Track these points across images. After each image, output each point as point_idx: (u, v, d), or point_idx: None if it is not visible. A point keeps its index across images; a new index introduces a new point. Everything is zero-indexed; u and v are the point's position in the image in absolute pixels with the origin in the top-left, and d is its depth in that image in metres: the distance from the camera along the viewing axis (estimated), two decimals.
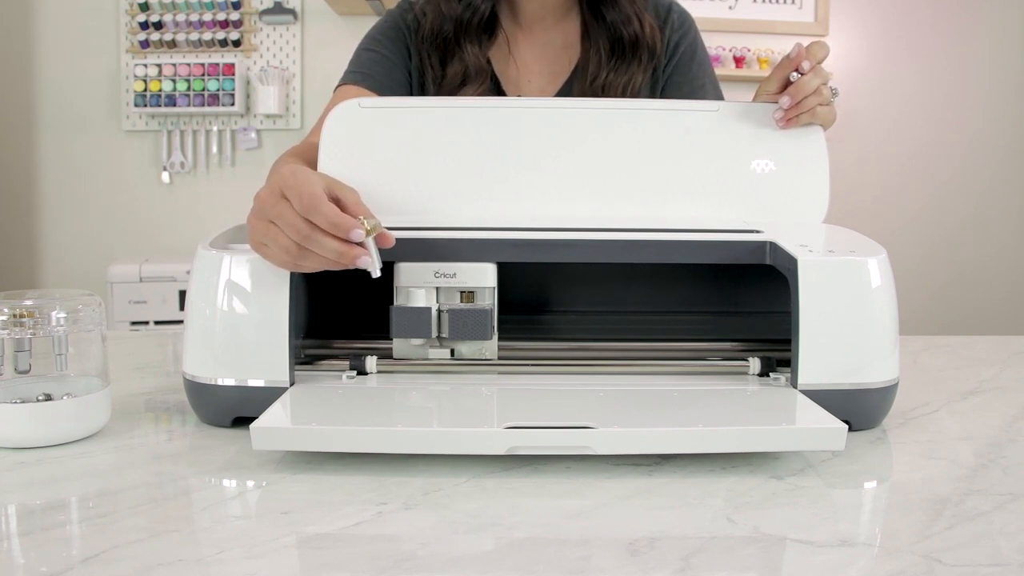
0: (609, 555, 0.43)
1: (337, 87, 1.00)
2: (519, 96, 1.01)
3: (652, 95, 1.03)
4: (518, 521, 0.48)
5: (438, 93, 1.00)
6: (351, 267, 0.60)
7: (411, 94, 1.02)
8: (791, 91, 0.77)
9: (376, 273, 0.61)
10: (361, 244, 0.60)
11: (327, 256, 0.59)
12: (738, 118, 0.80)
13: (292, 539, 0.45)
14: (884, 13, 3.18)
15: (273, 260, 0.62)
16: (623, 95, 0.98)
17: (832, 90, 0.79)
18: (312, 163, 0.78)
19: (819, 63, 0.78)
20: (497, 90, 1.01)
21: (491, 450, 0.54)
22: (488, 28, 1.00)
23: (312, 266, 0.61)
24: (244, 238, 0.69)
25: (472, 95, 0.97)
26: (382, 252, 0.62)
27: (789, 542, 0.45)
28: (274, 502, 0.51)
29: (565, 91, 1.02)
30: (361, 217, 0.60)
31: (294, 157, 0.86)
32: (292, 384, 0.63)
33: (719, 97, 1.04)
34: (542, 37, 1.03)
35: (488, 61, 1.00)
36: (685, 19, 1.05)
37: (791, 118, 0.78)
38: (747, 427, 0.56)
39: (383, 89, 0.98)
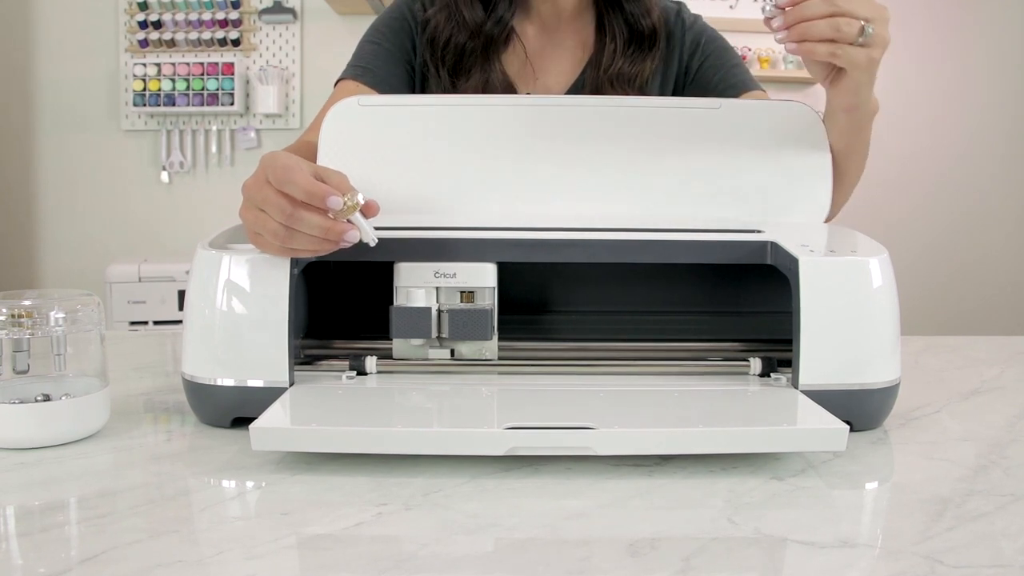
0: (609, 556, 0.43)
1: (338, 81, 0.99)
2: (530, 90, 1.01)
3: (663, 85, 1.02)
4: (518, 522, 0.48)
5: None
6: (342, 245, 0.60)
7: (413, 88, 1.01)
8: (790, 10, 0.67)
9: (372, 243, 0.61)
10: (349, 221, 0.59)
11: (313, 233, 0.59)
12: (740, 117, 0.80)
13: (292, 540, 0.45)
14: None
15: (267, 249, 0.62)
16: (633, 84, 0.98)
17: (862, 28, 0.67)
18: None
19: None
20: (511, 92, 1.00)
21: (491, 451, 0.54)
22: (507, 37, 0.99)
23: (304, 247, 0.60)
24: (244, 237, 0.69)
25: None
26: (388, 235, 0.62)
27: (790, 543, 0.45)
28: (274, 503, 0.50)
29: (577, 85, 1.01)
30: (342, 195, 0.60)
31: (294, 148, 0.86)
32: (292, 384, 0.63)
33: (746, 71, 1.03)
34: (555, 37, 1.02)
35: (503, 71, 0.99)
36: (696, 19, 1.05)
37: (790, 40, 0.68)
38: (748, 428, 0.56)
39: (382, 84, 0.96)
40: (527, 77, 1.00)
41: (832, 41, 0.68)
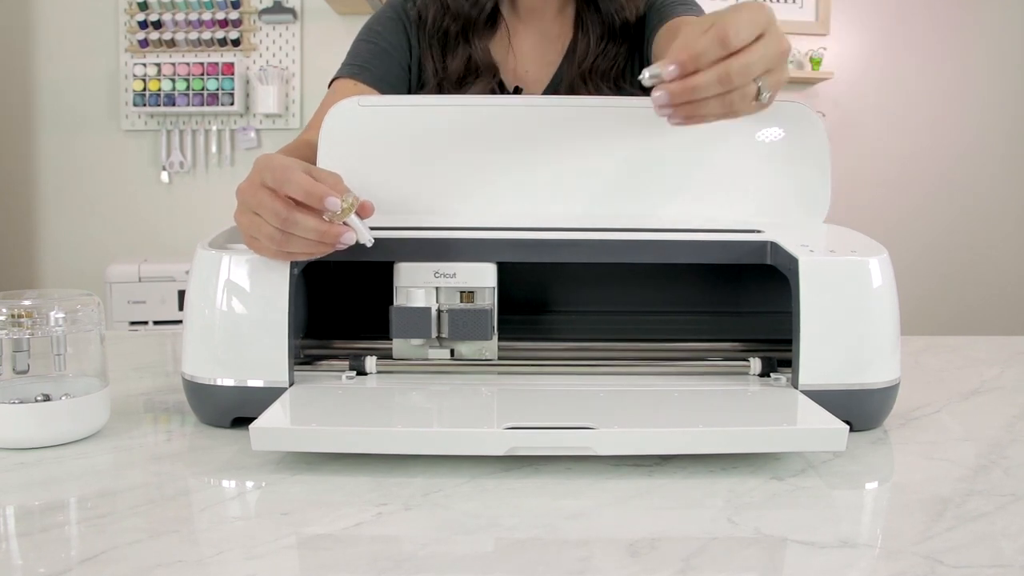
0: (610, 556, 0.43)
1: (333, 80, 0.99)
2: (517, 86, 1.02)
3: (635, 72, 1.02)
4: (518, 522, 0.48)
5: (439, 87, 0.99)
6: (338, 247, 0.60)
7: (410, 87, 1.02)
8: (677, 85, 0.58)
9: (369, 243, 0.62)
10: (344, 223, 0.59)
11: (309, 237, 0.59)
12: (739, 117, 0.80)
13: (292, 540, 0.45)
14: (884, 13, 3.18)
15: (263, 252, 0.62)
16: (607, 78, 0.99)
17: (757, 91, 0.59)
18: (306, 160, 0.78)
19: (733, 50, 0.56)
20: (496, 82, 1.01)
21: (491, 451, 0.54)
22: (489, 20, 1.01)
23: (300, 250, 0.60)
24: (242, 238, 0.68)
25: (480, 91, 0.97)
26: (379, 233, 0.62)
27: (790, 543, 0.45)
28: (274, 503, 0.50)
29: (557, 78, 1.03)
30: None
31: (290, 148, 0.86)
32: (292, 384, 0.63)
33: (690, 6, 0.99)
34: (539, 28, 1.04)
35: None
36: None
37: (676, 120, 0.61)
38: (748, 428, 0.56)
39: (380, 83, 0.97)
40: (510, 65, 1.02)
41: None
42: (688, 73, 0.57)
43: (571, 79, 1.00)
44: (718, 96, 0.58)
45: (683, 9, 0.98)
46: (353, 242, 0.60)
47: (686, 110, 0.59)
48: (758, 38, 0.57)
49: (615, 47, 1.00)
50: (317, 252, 0.61)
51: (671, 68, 0.57)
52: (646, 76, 0.58)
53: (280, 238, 0.59)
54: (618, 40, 1.00)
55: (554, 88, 1.02)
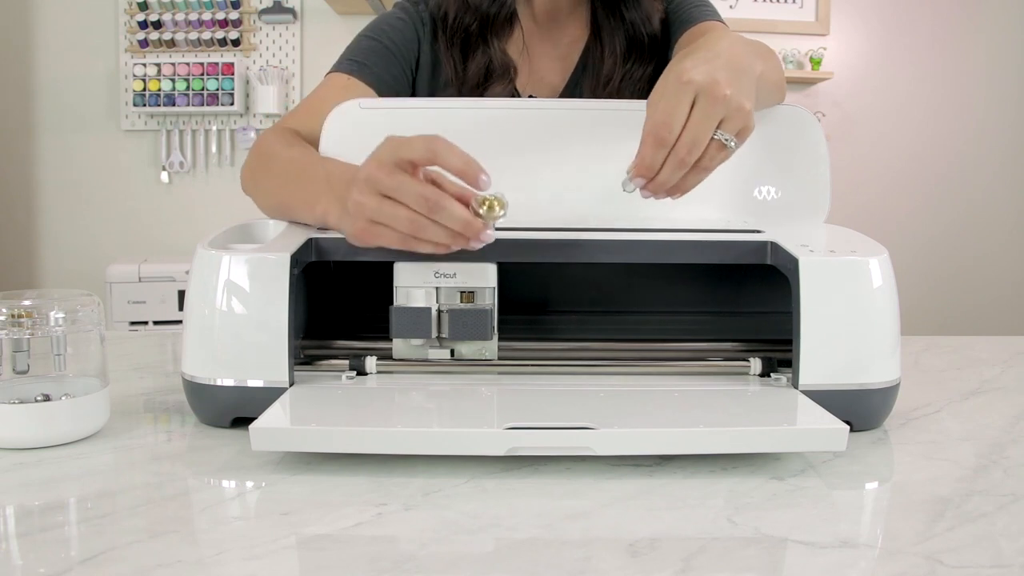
0: (609, 556, 0.43)
1: (329, 72, 0.96)
2: (530, 91, 1.01)
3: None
4: (518, 522, 0.48)
5: (459, 90, 0.97)
6: (472, 246, 0.59)
7: (409, 90, 1.00)
8: (649, 189, 0.65)
9: (491, 239, 0.61)
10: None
11: (453, 226, 0.57)
12: None
13: (291, 540, 0.45)
14: (884, 13, 3.18)
15: (387, 240, 0.60)
16: (631, 92, 0.97)
17: (723, 146, 0.63)
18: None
19: (673, 143, 0.62)
20: (512, 73, 1.00)
21: (491, 451, 0.54)
22: (507, 21, 0.99)
23: (434, 239, 0.59)
24: (243, 238, 0.69)
25: (499, 93, 0.96)
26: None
27: (790, 543, 0.45)
28: (273, 503, 0.50)
29: (572, 85, 1.01)
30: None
31: (291, 134, 0.84)
32: (292, 384, 0.63)
33: (707, 11, 0.99)
34: (553, 32, 1.02)
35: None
36: None
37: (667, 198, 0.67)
38: (748, 428, 0.56)
39: (376, 81, 0.95)
40: (523, 70, 1.00)
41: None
42: (650, 178, 0.64)
43: (593, 93, 0.98)
44: (690, 172, 0.64)
45: (699, 11, 0.97)
46: (491, 241, 0.59)
47: (670, 192, 0.66)
48: (693, 104, 0.62)
49: (641, 68, 0.97)
50: (452, 245, 0.59)
51: (638, 180, 0.64)
52: (624, 191, 0.66)
53: (419, 224, 0.58)
54: (646, 55, 0.98)
55: (568, 94, 1.01)
